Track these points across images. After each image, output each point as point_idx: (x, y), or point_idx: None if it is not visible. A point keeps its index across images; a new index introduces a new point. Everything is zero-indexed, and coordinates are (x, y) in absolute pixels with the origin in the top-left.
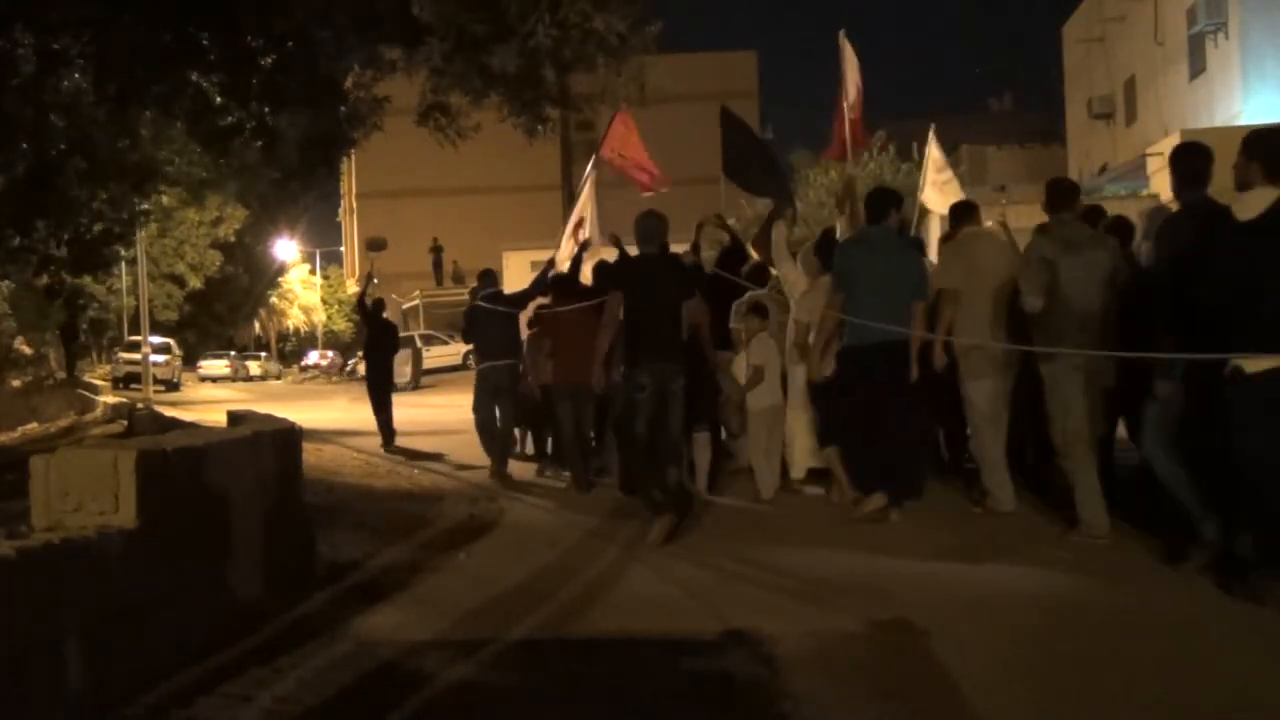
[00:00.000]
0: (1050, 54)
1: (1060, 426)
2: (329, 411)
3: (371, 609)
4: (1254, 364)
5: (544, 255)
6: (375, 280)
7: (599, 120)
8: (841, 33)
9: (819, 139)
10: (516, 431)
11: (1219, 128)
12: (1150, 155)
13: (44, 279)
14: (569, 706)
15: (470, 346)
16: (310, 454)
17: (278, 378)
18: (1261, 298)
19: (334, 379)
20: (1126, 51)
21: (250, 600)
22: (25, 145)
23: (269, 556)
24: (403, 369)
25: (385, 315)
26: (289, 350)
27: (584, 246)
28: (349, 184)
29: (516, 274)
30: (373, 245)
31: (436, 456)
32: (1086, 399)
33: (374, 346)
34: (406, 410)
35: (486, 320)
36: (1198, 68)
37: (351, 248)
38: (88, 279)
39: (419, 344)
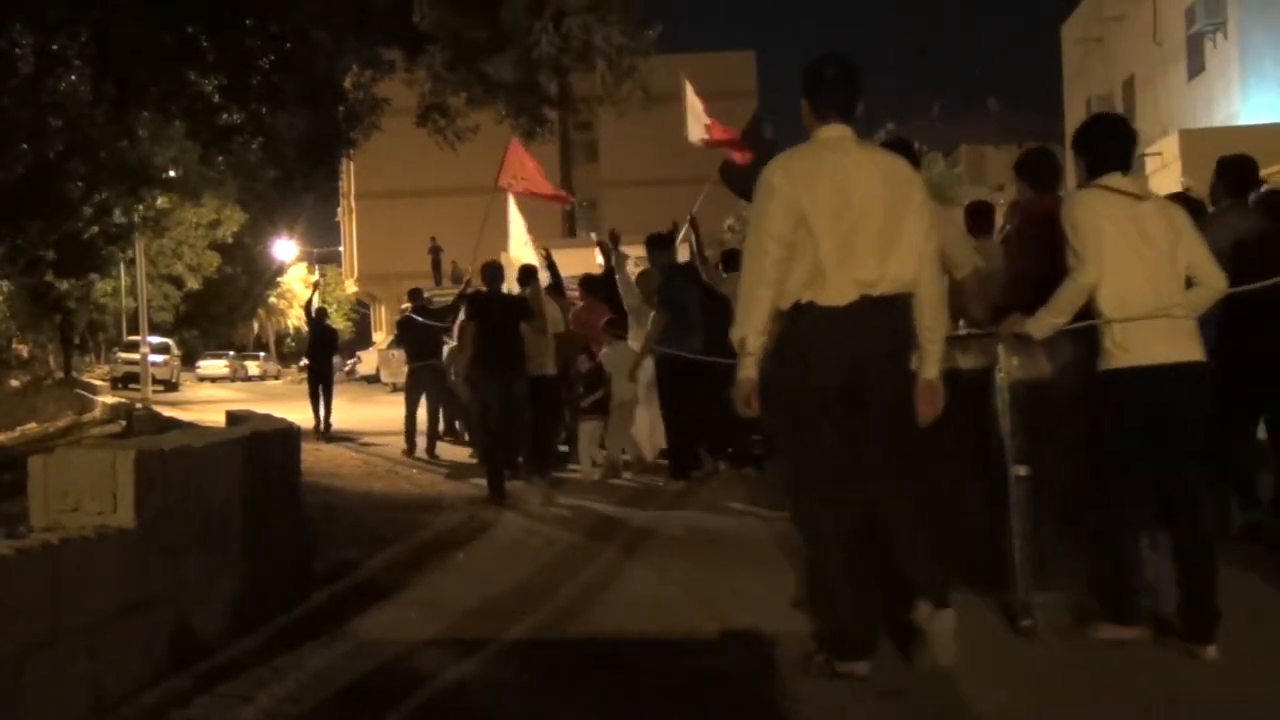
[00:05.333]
0: (1049, 54)
1: None
2: None
3: (371, 609)
4: None
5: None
6: (320, 288)
7: (597, 121)
8: (683, 74)
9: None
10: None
11: (1218, 128)
12: (1149, 155)
13: (32, 280)
14: (567, 706)
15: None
16: (309, 454)
17: (276, 378)
18: None
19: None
20: (1125, 51)
21: (249, 600)
22: (24, 146)
23: (268, 556)
24: (400, 368)
25: (328, 322)
26: (288, 350)
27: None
28: (348, 184)
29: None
30: (321, 259)
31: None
32: None
33: (315, 350)
34: (394, 409)
35: (414, 329)
36: (1196, 68)
37: (350, 248)
38: (74, 281)
39: None
